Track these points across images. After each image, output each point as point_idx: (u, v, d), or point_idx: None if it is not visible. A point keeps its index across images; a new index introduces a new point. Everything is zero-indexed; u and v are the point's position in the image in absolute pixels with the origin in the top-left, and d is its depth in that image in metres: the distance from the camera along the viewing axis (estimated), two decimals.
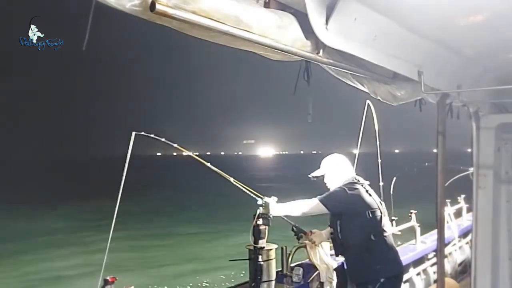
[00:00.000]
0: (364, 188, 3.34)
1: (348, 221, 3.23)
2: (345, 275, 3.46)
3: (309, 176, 3.54)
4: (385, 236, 3.26)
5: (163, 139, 3.57)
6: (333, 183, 3.42)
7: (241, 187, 3.52)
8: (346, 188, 3.26)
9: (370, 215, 3.23)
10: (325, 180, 3.49)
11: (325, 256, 3.75)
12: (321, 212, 3.21)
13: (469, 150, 3.65)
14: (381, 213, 3.29)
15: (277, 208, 3.29)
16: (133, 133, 3.17)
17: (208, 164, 3.66)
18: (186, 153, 3.87)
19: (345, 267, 3.40)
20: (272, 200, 3.32)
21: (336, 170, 3.45)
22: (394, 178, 6.18)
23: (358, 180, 3.37)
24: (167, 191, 34.82)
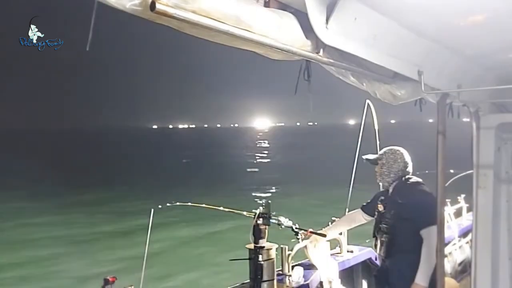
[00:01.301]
0: None
1: (413, 225, 3.13)
2: (386, 279, 3.38)
3: (363, 157, 3.52)
4: None
5: (189, 203, 3.82)
6: (386, 176, 3.36)
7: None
8: (425, 186, 3.18)
9: None
10: (377, 169, 3.43)
11: (325, 256, 3.75)
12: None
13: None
14: None
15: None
16: (152, 210, 3.28)
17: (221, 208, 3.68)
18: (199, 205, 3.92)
19: (388, 270, 3.33)
20: None
21: (394, 164, 3.36)
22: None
23: (422, 182, 3.30)
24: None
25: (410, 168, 3.44)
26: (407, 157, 3.46)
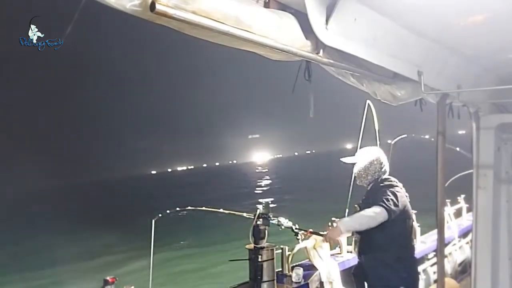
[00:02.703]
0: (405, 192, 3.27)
1: (389, 225, 3.07)
2: (362, 276, 3.37)
3: (341, 160, 3.49)
4: (414, 245, 3.26)
5: (189, 207, 3.95)
6: (364, 176, 3.35)
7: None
8: (400, 191, 3.15)
9: (408, 222, 3.19)
10: (355, 170, 3.42)
11: (325, 256, 3.75)
12: (384, 219, 3.01)
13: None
14: (413, 221, 3.28)
15: (346, 225, 3.14)
16: (153, 221, 3.39)
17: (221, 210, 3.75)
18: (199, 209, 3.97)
19: (364, 268, 3.32)
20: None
21: (371, 164, 3.34)
22: None
23: (396, 182, 3.27)
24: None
25: (386, 168, 3.40)
26: (383, 158, 3.42)
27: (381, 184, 3.24)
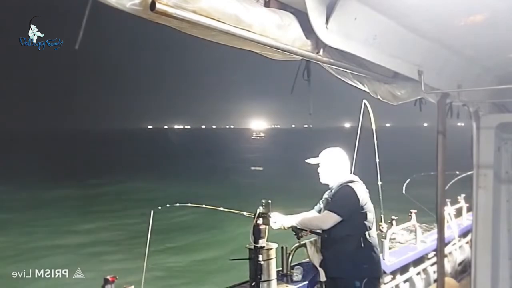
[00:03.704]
0: (364, 188, 3.41)
1: (348, 218, 3.26)
2: (327, 270, 3.49)
3: (306, 161, 3.59)
4: (374, 237, 3.34)
5: (188, 204, 3.86)
6: (327, 176, 3.49)
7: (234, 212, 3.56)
8: (353, 188, 3.30)
9: (367, 216, 3.31)
10: (319, 170, 3.54)
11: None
12: (335, 223, 3.23)
13: None
14: (373, 215, 3.38)
15: (285, 220, 3.35)
16: (152, 212, 3.37)
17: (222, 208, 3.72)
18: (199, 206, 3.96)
19: (327, 261, 3.44)
20: (277, 215, 3.35)
21: (333, 164, 3.49)
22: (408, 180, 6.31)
23: (357, 179, 3.42)
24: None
25: (347, 168, 3.54)
26: (345, 157, 3.55)
27: (340, 185, 3.39)
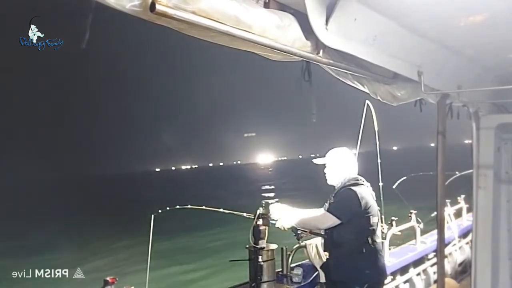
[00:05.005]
0: (370, 190, 3.32)
1: (350, 222, 3.18)
2: (329, 272, 3.42)
3: (313, 161, 3.54)
4: (377, 242, 3.28)
5: (189, 206, 3.90)
6: (333, 176, 3.41)
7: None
8: (355, 191, 3.21)
9: (371, 220, 3.23)
10: (326, 171, 3.47)
11: (325, 257, 3.74)
12: (333, 224, 3.15)
13: None
14: (378, 219, 3.31)
15: (285, 220, 3.26)
16: (152, 216, 3.38)
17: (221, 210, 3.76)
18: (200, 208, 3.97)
19: (329, 264, 3.38)
20: (277, 207, 3.31)
21: (339, 165, 3.40)
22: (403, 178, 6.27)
23: (363, 181, 3.33)
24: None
25: (354, 168, 3.45)
26: (351, 158, 3.47)
27: (345, 186, 3.32)
